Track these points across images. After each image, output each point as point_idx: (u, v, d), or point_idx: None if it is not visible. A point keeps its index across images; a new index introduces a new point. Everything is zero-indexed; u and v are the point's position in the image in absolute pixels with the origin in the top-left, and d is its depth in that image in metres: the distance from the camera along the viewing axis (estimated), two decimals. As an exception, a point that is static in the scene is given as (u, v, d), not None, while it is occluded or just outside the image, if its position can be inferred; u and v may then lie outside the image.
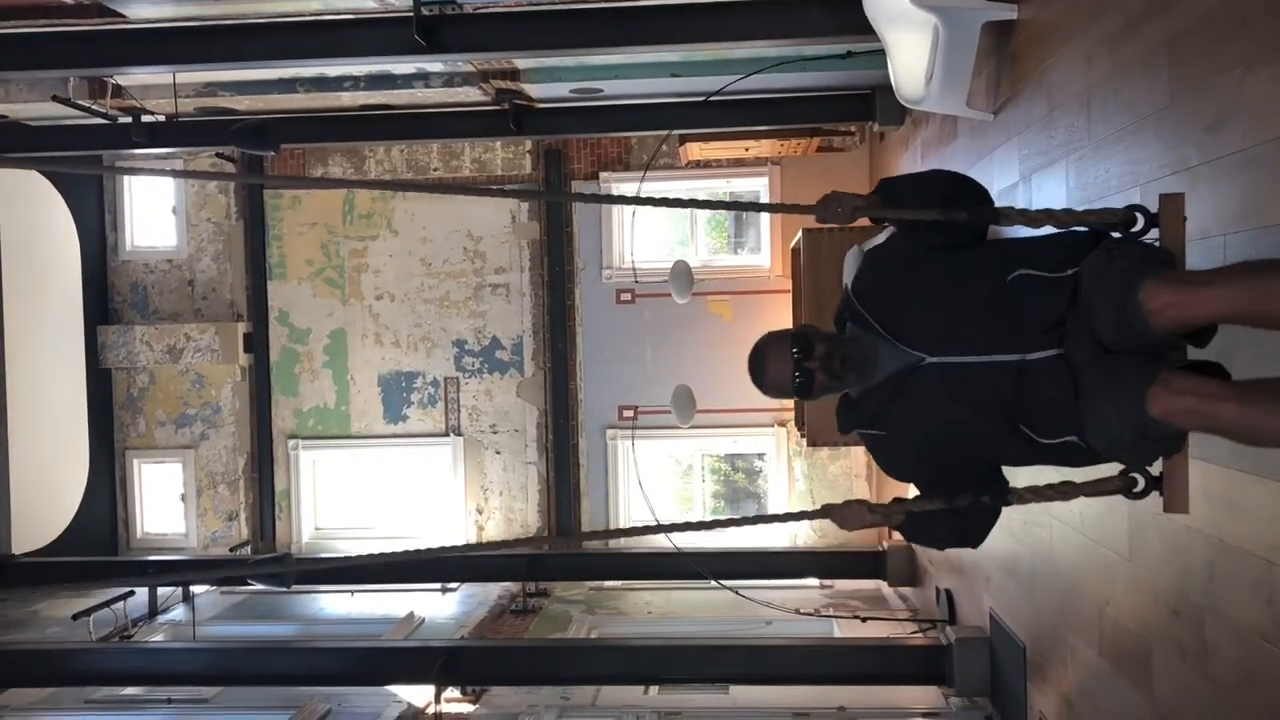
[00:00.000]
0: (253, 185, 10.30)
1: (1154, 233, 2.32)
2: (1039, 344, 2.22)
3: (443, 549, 2.68)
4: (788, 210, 2.64)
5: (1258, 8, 2.69)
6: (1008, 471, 2.50)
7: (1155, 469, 2.30)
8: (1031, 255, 2.31)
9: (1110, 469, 2.34)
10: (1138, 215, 2.28)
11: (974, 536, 2.45)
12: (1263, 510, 2.72)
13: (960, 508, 2.36)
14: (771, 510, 10.15)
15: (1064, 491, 2.40)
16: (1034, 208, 4.52)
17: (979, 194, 2.45)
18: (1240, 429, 2.03)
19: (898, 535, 8.59)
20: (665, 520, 8.61)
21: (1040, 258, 2.29)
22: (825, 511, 2.42)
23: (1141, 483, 2.29)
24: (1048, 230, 2.42)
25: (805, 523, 9.80)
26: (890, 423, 2.43)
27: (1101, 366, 2.14)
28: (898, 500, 2.48)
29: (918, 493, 2.46)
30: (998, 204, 2.46)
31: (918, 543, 2.58)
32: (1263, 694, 2.75)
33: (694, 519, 10.41)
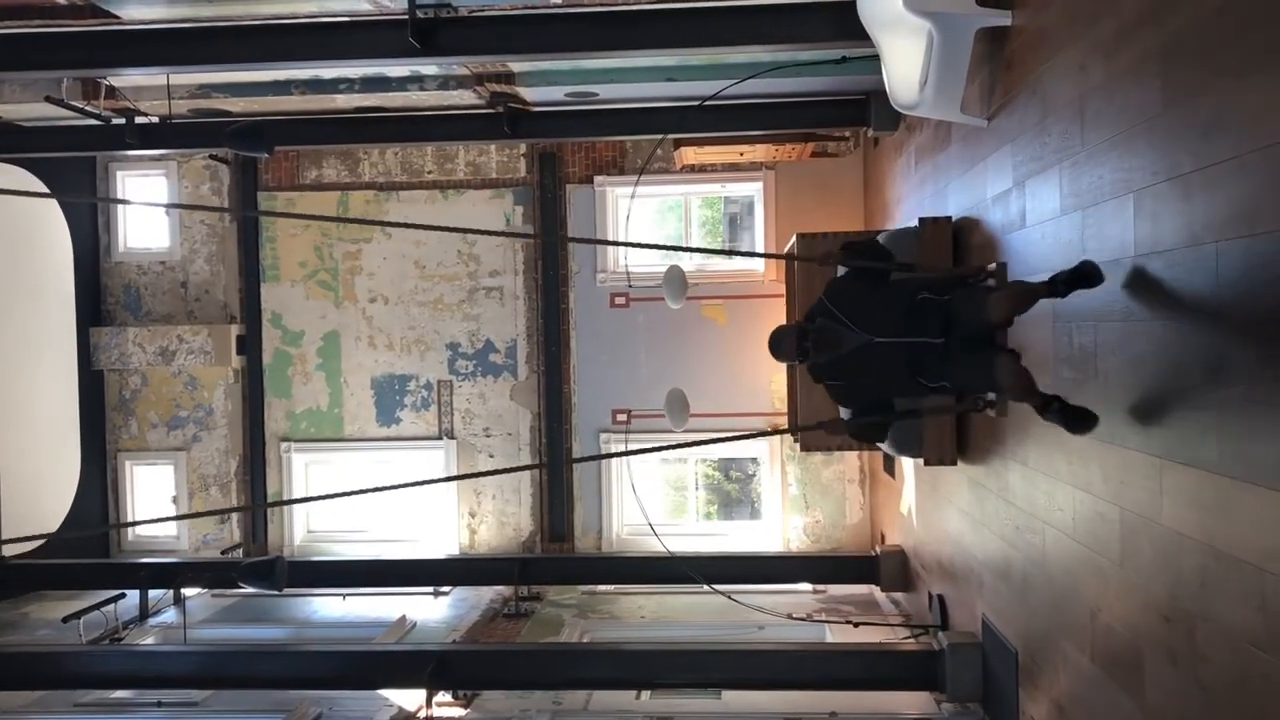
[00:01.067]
0: (246, 187, 10.30)
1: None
2: (936, 334, 4.13)
3: (450, 477, 2.73)
4: (788, 258, 3.57)
5: (1250, 17, 2.70)
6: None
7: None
8: (927, 286, 4.32)
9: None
10: (984, 270, 4.46)
11: (879, 437, 4.99)
12: (1253, 517, 2.72)
13: (886, 421, 4.76)
14: (766, 513, 10.15)
15: (944, 408, 4.57)
16: (1024, 216, 4.53)
17: (886, 253, 4.79)
18: (1011, 384, 3.95)
19: (890, 542, 8.61)
20: (658, 525, 8.60)
21: (932, 287, 4.32)
22: (816, 425, 4.48)
23: (982, 404, 4.35)
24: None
25: (799, 529, 9.82)
26: (848, 376, 4.39)
27: (967, 348, 4.11)
28: (852, 419, 4.59)
29: (852, 413, 4.62)
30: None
31: (860, 439, 4.95)
32: (1254, 700, 2.75)
33: (688, 523, 10.43)
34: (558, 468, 9.97)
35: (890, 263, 4.46)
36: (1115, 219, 3.57)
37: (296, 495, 10.32)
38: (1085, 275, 3.63)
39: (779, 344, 4.23)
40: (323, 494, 2.99)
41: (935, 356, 4.11)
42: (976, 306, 4.00)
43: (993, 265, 4.60)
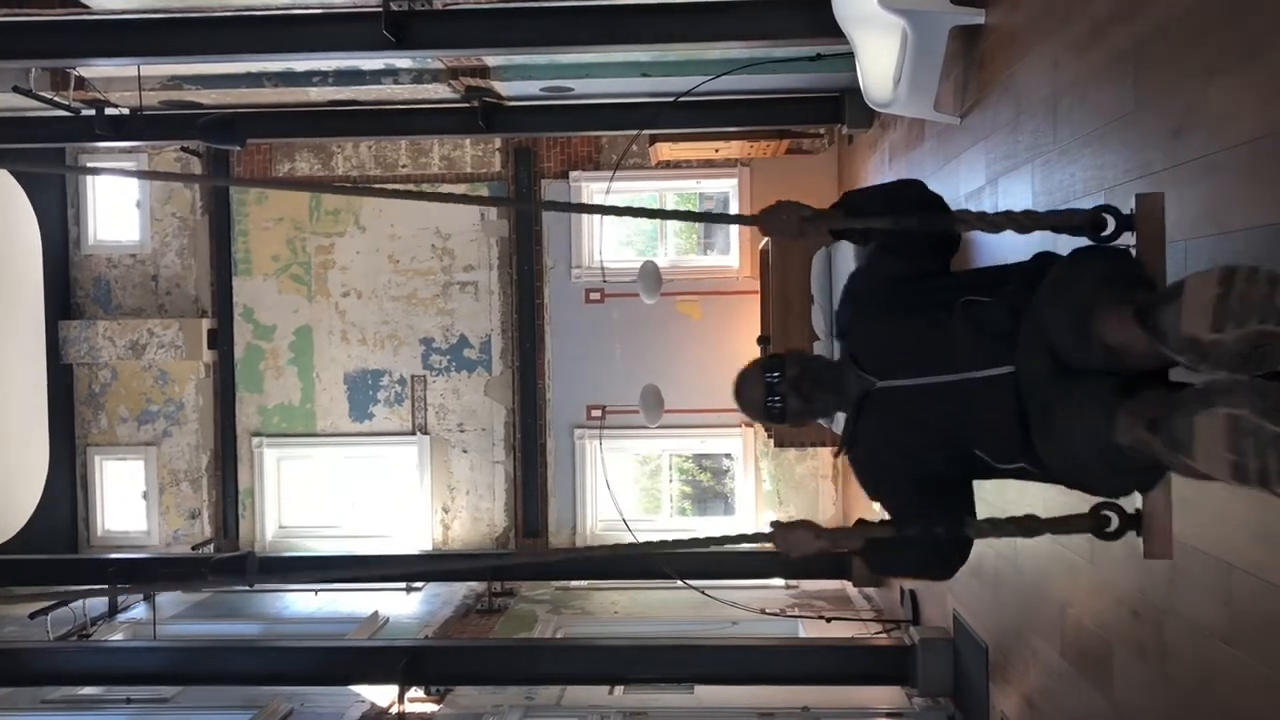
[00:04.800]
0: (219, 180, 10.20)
1: (1128, 238, 2.13)
2: (983, 360, 2.11)
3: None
4: (730, 221, 2.84)
5: (1221, 16, 2.72)
6: (982, 486, 2.47)
7: (1132, 503, 2.10)
8: (985, 283, 2.25)
9: (1082, 498, 2.17)
10: (1107, 217, 2.11)
11: (934, 568, 2.42)
12: (1221, 512, 2.74)
13: (911, 537, 2.28)
14: (739, 508, 10.17)
15: (1028, 527, 2.24)
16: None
17: (933, 200, 2.41)
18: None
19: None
20: (632, 520, 8.60)
21: (994, 284, 2.22)
22: (770, 536, 2.41)
23: (1115, 521, 2.10)
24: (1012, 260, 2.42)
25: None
26: (859, 445, 2.44)
27: (1060, 384, 1.96)
28: (860, 523, 2.44)
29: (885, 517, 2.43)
30: (961, 206, 2.56)
31: (881, 573, 2.54)
32: (1219, 694, 2.78)
33: (662, 519, 10.44)
34: (532, 458, 9.95)
35: (909, 218, 2.30)
36: (1086, 217, 3.59)
37: (268, 490, 10.23)
38: None
39: (740, 388, 2.46)
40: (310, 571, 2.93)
41: (1001, 405, 2.09)
42: (1080, 312, 1.90)
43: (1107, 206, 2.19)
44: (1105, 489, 2.09)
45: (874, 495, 2.49)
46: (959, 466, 2.33)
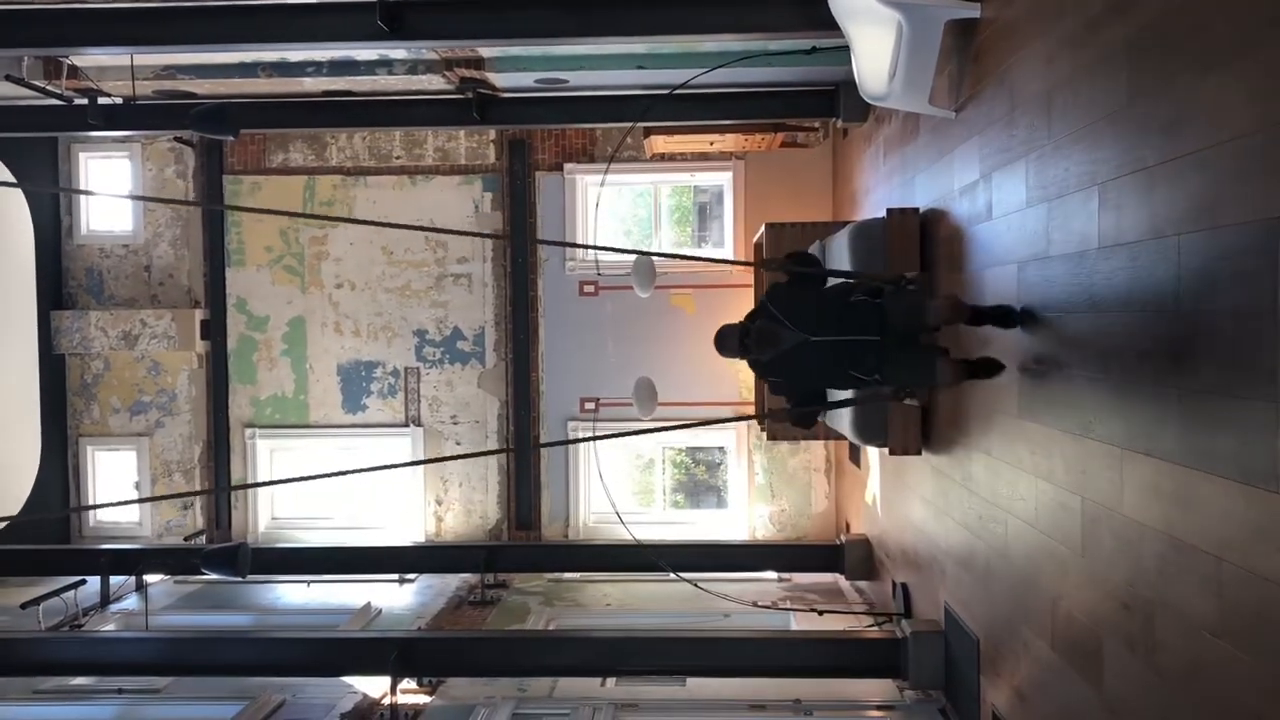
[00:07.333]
0: (211, 171, 10.18)
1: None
2: (870, 332, 4.50)
3: (414, 461, 2.70)
4: (753, 264, 3.05)
5: (1213, 13, 2.73)
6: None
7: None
8: (858, 288, 4.74)
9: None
10: (905, 277, 4.71)
11: (812, 422, 5.00)
12: (1211, 507, 2.76)
13: (818, 409, 5.05)
14: (732, 501, 10.19)
15: (874, 397, 5.04)
16: (991, 208, 4.56)
17: (819, 263, 5.70)
18: (951, 381, 4.64)
19: (855, 531, 8.66)
20: (625, 513, 8.61)
21: (863, 289, 4.70)
22: (760, 416, 5.06)
23: (904, 395, 4.90)
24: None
25: (764, 517, 9.85)
26: (785, 371, 4.70)
27: (898, 348, 4.53)
28: (792, 408, 4.90)
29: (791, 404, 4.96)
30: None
31: (797, 425, 5.00)
32: (1208, 686, 2.79)
33: (655, 512, 10.45)
34: (525, 453, 9.95)
35: (822, 269, 5.19)
36: (1080, 211, 3.60)
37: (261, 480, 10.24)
38: (1002, 317, 4.31)
39: (723, 341, 4.68)
40: (288, 478, 2.93)
41: (869, 353, 4.49)
42: (912, 309, 4.52)
43: (913, 273, 5.16)
44: (911, 383, 4.72)
45: (782, 391, 4.95)
46: (839, 378, 4.71)
